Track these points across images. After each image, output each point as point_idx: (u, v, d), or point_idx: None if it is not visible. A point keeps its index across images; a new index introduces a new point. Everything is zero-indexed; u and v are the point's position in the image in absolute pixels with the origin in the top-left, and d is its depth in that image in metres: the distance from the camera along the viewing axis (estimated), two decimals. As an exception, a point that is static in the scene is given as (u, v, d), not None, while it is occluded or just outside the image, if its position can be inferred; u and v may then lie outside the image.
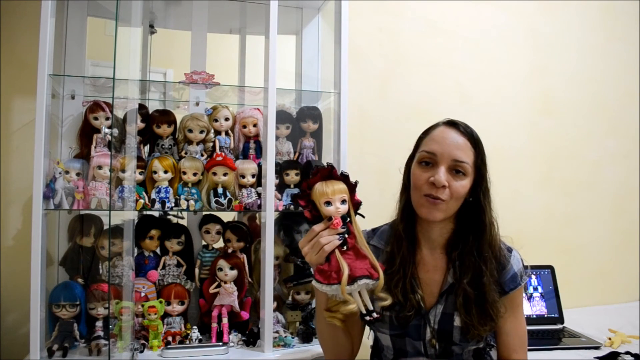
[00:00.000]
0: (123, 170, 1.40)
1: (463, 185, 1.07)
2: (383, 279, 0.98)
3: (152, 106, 1.64)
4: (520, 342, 1.16)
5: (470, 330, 1.08)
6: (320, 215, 1.00)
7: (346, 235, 0.98)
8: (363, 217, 1.05)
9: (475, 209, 1.12)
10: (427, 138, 1.13)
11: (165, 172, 1.49)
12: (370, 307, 1.00)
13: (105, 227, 1.48)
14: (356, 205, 1.02)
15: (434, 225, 1.14)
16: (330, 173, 1.00)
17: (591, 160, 2.44)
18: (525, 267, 1.17)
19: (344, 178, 1.01)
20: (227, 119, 1.61)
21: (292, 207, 1.56)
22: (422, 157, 1.11)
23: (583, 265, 2.36)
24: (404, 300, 1.09)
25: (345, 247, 0.98)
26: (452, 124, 1.12)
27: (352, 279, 0.95)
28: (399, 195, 1.19)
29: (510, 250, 1.17)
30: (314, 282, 0.99)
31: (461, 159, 1.07)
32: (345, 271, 0.94)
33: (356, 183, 1.02)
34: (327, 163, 1.03)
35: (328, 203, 0.98)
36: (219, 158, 1.53)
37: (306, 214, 1.01)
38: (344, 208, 0.99)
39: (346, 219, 1.00)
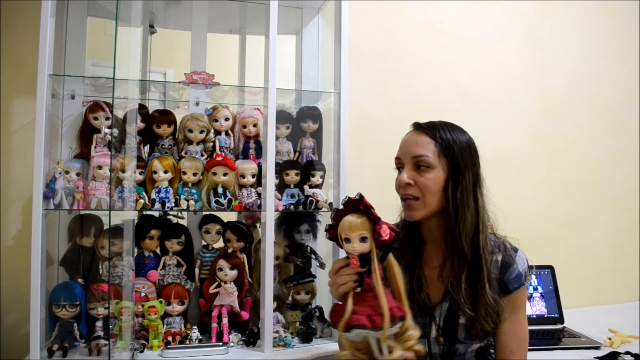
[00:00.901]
0: (123, 170, 1.40)
1: (430, 177, 1.10)
2: (388, 329, 0.90)
3: (152, 106, 1.64)
4: (519, 343, 1.15)
5: (474, 326, 1.08)
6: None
7: (366, 276, 0.93)
8: (397, 249, 1.00)
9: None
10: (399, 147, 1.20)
11: (165, 172, 1.49)
12: (385, 353, 0.92)
13: (105, 227, 1.48)
14: (380, 242, 0.93)
15: (430, 226, 1.16)
16: (357, 204, 0.93)
17: (591, 160, 2.44)
18: (530, 268, 1.18)
19: (366, 211, 0.92)
20: (227, 119, 1.61)
21: (292, 207, 1.56)
22: (395, 164, 1.18)
23: (583, 265, 2.36)
24: (411, 301, 1.10)
25: (360, 289, 0.94)
26: (415, 126, 1.18)
27: (349, 326, 0.91)
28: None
29: (515, 250, 1.18)
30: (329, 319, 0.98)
31: (419, 153, 1.11)
32: (345, 317, 0.91)
33: (377, 219, 0.93)
34: (357, 194, 0.95)
35: (347, 240, 0.93)
36: (219, 158, 1.53)
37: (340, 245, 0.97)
38: (361, 247, 0.92)
39: (367, 258, 0.93)
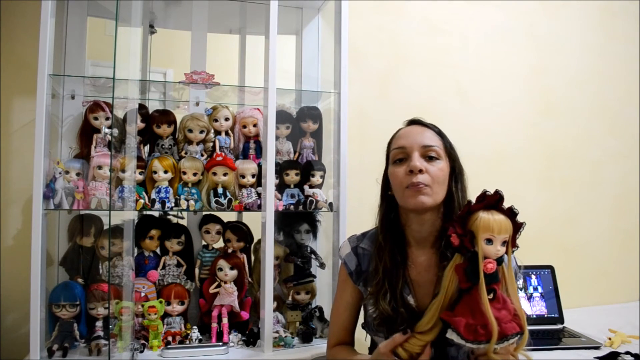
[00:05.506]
0: (123, 170, 1.40)
1: (440, 167, 1.11)
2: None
3: (152, 106, 1.64)
4: None
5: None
6: (467, 246, 0.87)
7: (494, 282, 0.87)
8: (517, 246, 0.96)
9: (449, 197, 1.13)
10: (394, 140, 1.19)
11: (165, 172, 1.49)
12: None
13: (105, 227, 1.48)
14: (514, 246, 0.89)
15: (423, 222, 1.13)
16: (496, 203, 0.87)
17: (591, 160, 2.44)
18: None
19: (512, 215, 0.87)
20: (227, 119, 1.61)
21: (292, 207, 1.56)
22: (394, 155, 1.15)
23: (583, 265, 2.36)
24: (394, 314, 1.08)
25: (493, 296, 0.86)
26: (413, 121, 1.21)
27: (503, 337, 0.84)
28: (378, 207, 1.21)
29: None
30: (455, 338, 0.88)
31: (429, 143, 1.12)
32: (495, 328, 0.83)
33: (523, 225, 0.89)
34: (496, 190, 0.88)
35: (489, 240, 0.85)
36: (219, 158, 1.53)
37: (453, 240, 0.88)
38: (502, 250, 0.86)
39: (501, 262, 0.87)
